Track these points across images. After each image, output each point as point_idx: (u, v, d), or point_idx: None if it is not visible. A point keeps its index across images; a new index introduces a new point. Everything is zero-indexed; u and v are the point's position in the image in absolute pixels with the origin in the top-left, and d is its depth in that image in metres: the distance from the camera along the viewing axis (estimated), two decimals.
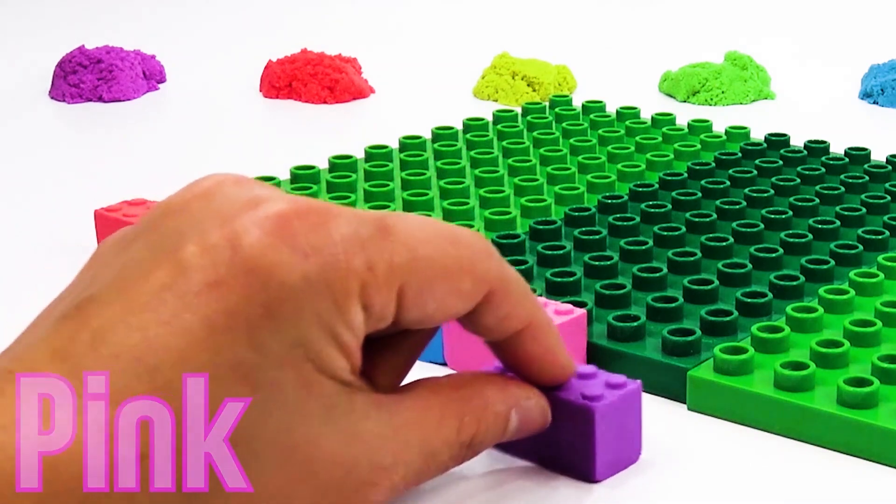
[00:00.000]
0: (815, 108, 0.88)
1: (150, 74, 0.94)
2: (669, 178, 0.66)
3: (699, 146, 0.72)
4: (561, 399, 0.42)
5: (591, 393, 0.42)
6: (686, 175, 0.67)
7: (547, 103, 0.81)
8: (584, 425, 0.42)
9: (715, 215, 0.61)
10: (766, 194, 0.64)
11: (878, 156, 0.71)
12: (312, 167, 0.68)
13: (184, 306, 0.35)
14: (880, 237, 0.59)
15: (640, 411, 0.44)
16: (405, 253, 0.37)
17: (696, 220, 0.61)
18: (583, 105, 0.80)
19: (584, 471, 0.43)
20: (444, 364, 0.50)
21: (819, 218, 0.61)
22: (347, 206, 0.38)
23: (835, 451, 0.45)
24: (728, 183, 0.66)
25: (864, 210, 0.62)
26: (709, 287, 0.53)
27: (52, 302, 0.37)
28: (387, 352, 0.40)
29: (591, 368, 0.43)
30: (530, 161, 0.69)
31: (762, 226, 0.60)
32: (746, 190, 0.64)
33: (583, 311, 0.50)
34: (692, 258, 0.56)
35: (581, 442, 0.42)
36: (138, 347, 0.34)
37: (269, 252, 0.36)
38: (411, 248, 0.38)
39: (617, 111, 0.78)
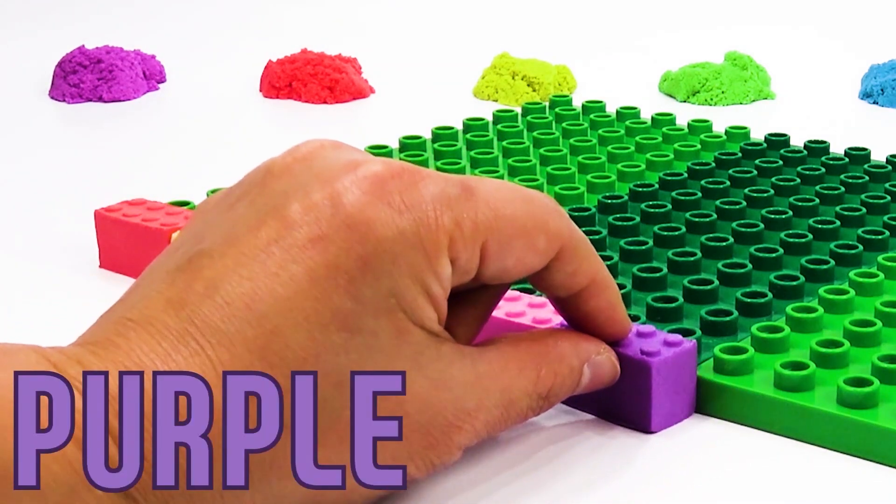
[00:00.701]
0: (815, 108, 0.88)
1: (150, 74, 0.94)
2: (669, 178, 0.66)
3: (699, 146, 0.72)
4: (621, 354, 0.45)
5: (649, 349, 0.45)
6: (686, 175, 0.67)
7: (547, 103, 0.81)
8: (641, 379, 0.45)
9: (715, 215, 0.61)
10: (766, 194, 0.64)
11: (878, 156, 0.71)
12: None
13: (290, 258, 0.38)
14: (880, 237, 0.59)
15: (695, 368, 0.47)
16: (488, 211, 0.40)
17: (696, 220, 0.61)
18: (583, 105, 0.80)
19: (641, 422, 0.46)
20: None
21: (819, 218, 0.61)
22: (432, 169, 0.41)
23: (835, 451, 0.45)
24: (728, 183, 0.66)
25: (864, 210, 0.62)
26: (709, 287, 0.53)
27: (158, 259, 0.40)
28: (465, 306, 0.43)
29: (649, 328, 0.46)
30: (530, 161, 0.70)
31: (762, 226, 0.60)
32: (746, 190, 0.64)
33: None
34: (692, 258, 0.56)
35: (639, 395, 0.45)
36: (248, 295, 0.37)
37: (368, 209, 0.39)
38: (493, 208, 0.41)
39: (617, 111, 0.78)
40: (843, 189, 0.65)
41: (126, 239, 0.60)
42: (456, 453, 0.40)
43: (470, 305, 0.43)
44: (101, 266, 0.61)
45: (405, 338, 0.39)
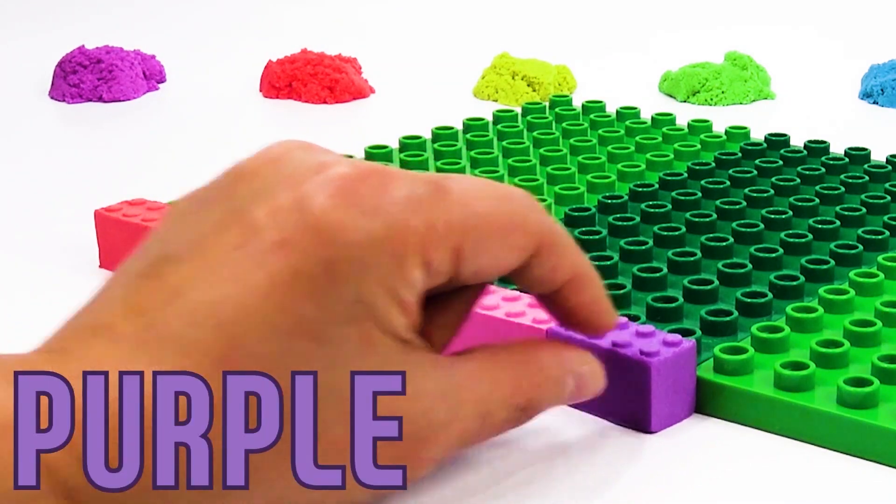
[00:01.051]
0: (815, 108, 0.88)
1: (150, 74, 0.94)
2: (669, 178, 0.66)
3: (699, 146, 0.72)
4: (620, 355, 0.45)
5: (648, 349, 0.45)
6: (686, 175, 0.67)
7: (547, 103, 0.81)
8: (640, 379, 0.45)
9: (715, 215, 0.61)
10: (766, 194, 0.64)
11: (878, 156, 0.71)
12: None
13: (254, 265, 0.37)
14: (880, 237, 0.59)
15: (694, 368, 0.47)
16: (461, 211, 0.39)
17: (696, 220, 0.60)
18: (583, 105, 0.80)
19: (641, 422, 0.46)
20: None
21: (819, 218, 0.61)
22: (403, 169, 0.40)
23: (835, 451, 0.45)
24: (728, 183, 0.66)
25: (864, 210, 0.62)
26: (709, 287, 0.53)
27: (124, 262, 0.39)
28: (441, 309, 0.42)
29: (649, 328, 0.46)
30: (530, 161, 0.69)
31: (762, 226, 0.60)
32: (746, 190, 0.64)
33: None
34: (692, 258, 0.56)
35: (639, 395, 0.45)
36: (211, 303, 0.36)
37: (334, 212, 0.37)
38: (466, 207, 0.39)
39: (617, 111, 0.78)
40: (843, 189, 0.65)
41: (126, 239, 0.60)
42: (426, 466, 0.39)
43: (446, 307, 0.42)
44: (101, 266, 0.61)
45: (373, 347, 0.38)
